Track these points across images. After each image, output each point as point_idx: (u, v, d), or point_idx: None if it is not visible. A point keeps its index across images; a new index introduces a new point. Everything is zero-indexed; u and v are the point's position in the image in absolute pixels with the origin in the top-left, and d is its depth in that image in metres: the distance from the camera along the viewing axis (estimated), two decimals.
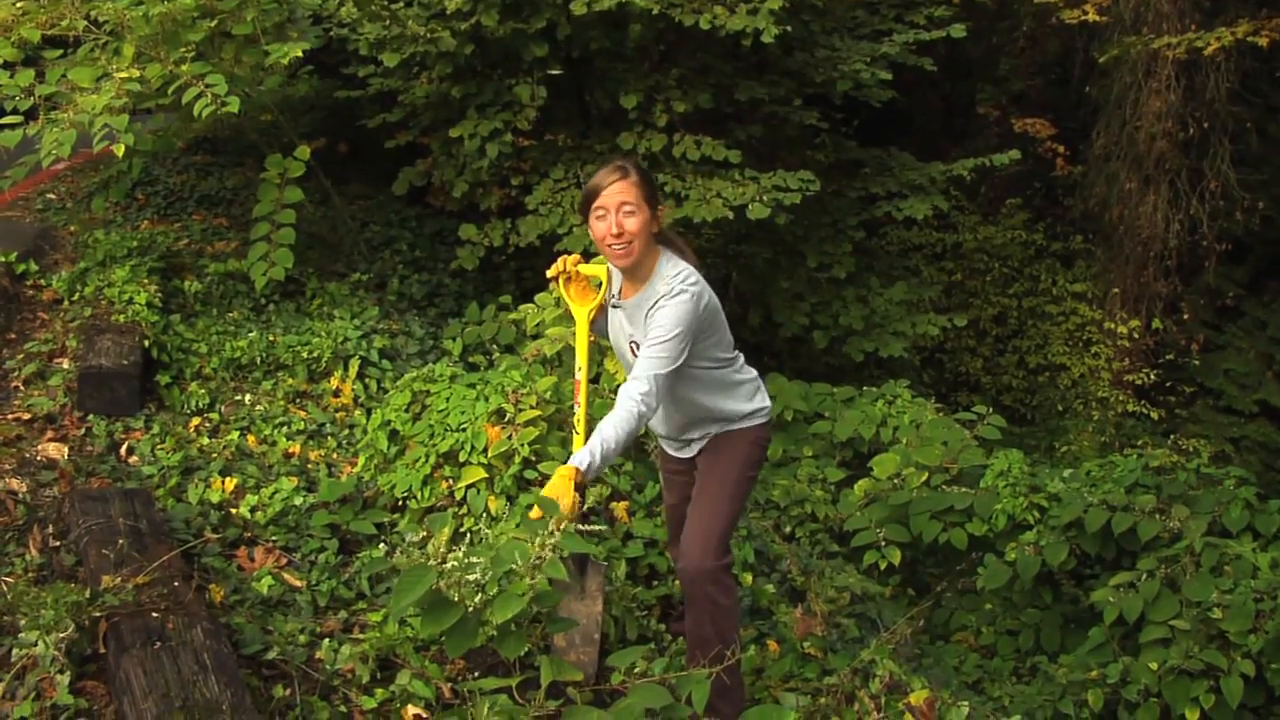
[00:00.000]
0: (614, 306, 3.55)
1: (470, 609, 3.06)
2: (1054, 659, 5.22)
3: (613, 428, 3.25)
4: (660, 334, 3.29)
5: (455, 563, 3.20)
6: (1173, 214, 12.78)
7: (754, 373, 3.71)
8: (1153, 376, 13.27)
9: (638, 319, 3.42)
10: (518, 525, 4.05)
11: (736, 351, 3.63)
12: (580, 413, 3.62)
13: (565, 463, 3.31)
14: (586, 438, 3.49)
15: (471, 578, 3.21)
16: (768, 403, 3.69)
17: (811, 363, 9.70)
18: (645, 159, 8.11)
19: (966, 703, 3.50)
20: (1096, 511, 5.24)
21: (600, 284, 3.67)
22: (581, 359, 3.65)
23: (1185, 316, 13.84)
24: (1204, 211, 12.68)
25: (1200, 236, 12.88)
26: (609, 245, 3.36)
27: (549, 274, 3.68)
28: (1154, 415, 13.02)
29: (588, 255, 4.02)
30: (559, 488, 3.26)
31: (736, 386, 3.58)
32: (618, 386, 4.86)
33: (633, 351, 3.46)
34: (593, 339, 3.78)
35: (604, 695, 3.44)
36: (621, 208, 3.31)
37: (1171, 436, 12.28)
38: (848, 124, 10.87)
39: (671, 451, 3.79)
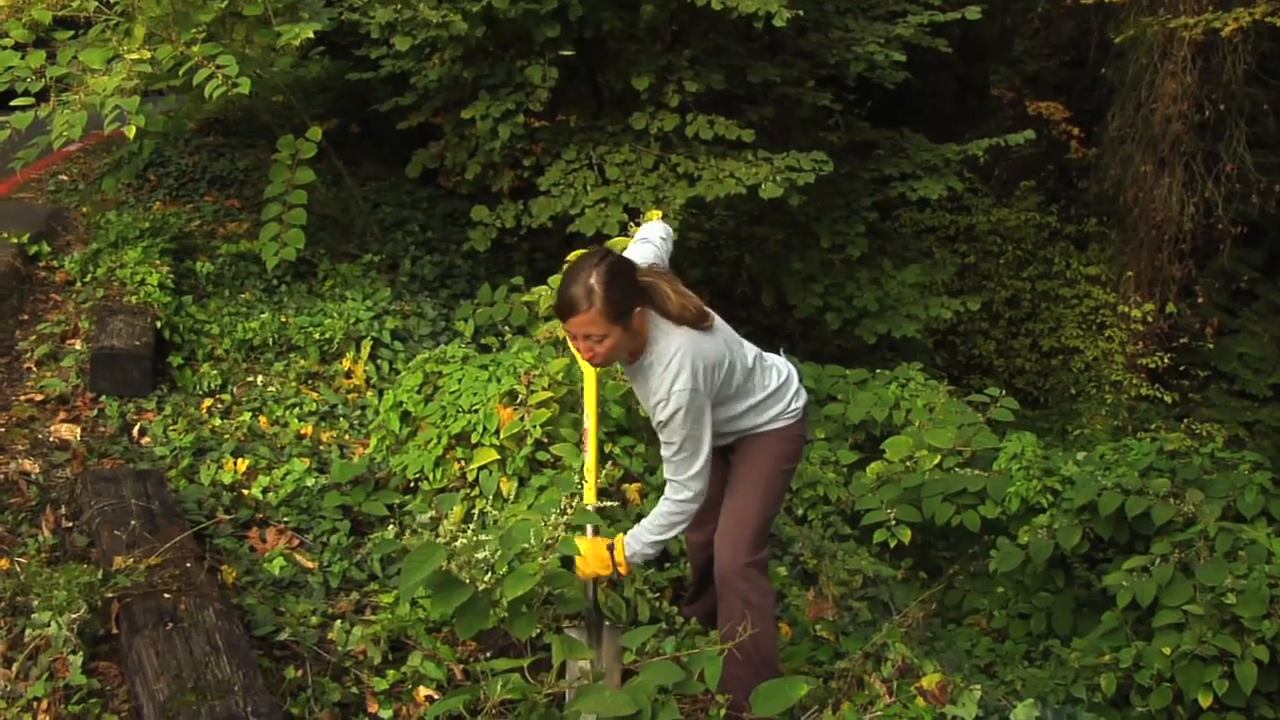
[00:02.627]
0: (624, 368, 3.45)
1: (480, 589, 3.06)
2: (1066, 643, 5.20)
3: (651, 527, 3.34)
4: (674, 443, 3.23)
5: (464, 542, 3.20)
6: (1188, 197, 12.71)
7: (784, 374, 3.56)
8: (1166, 360, 13.22)
9: (644, 390, 3.33)
10: (530, 506, 4.06)
11: (757, 369, 3.48)
12: (590, 461, 3.56)
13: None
14: (595, 485, 3.52)
15: (480, 556, 3.21)
16: (800, 401, 3.55)
17: (824, 345, 9.67)
18: (658, 139, 8.08)
19: (978, 686, 3.48)
20: (1110, 495, 5.21)
21: None
22: (590, 407, 3.57)
23: (1200, 300, 13.77)
24: (1219, 194, 12.61)
25: (1215, 219, 12.80)
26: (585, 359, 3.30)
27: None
28: (1168, 399, 12.97)
29: (600, 239, 4.00)
30: (592, 553, 3.32)
31: (760, 403, 3.47)
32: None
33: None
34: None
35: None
36: (587, 338, 3.17)
37: (1185, 421, 12.24)
38: (861, 105, 10.81)
39: None
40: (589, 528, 3.47)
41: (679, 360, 3.18)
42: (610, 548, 3.37)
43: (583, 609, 3.47)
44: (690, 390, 3.16)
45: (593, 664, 3.39)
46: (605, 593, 3.68)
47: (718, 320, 3.39)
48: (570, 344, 3.46)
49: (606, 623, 3.46)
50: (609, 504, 3.66)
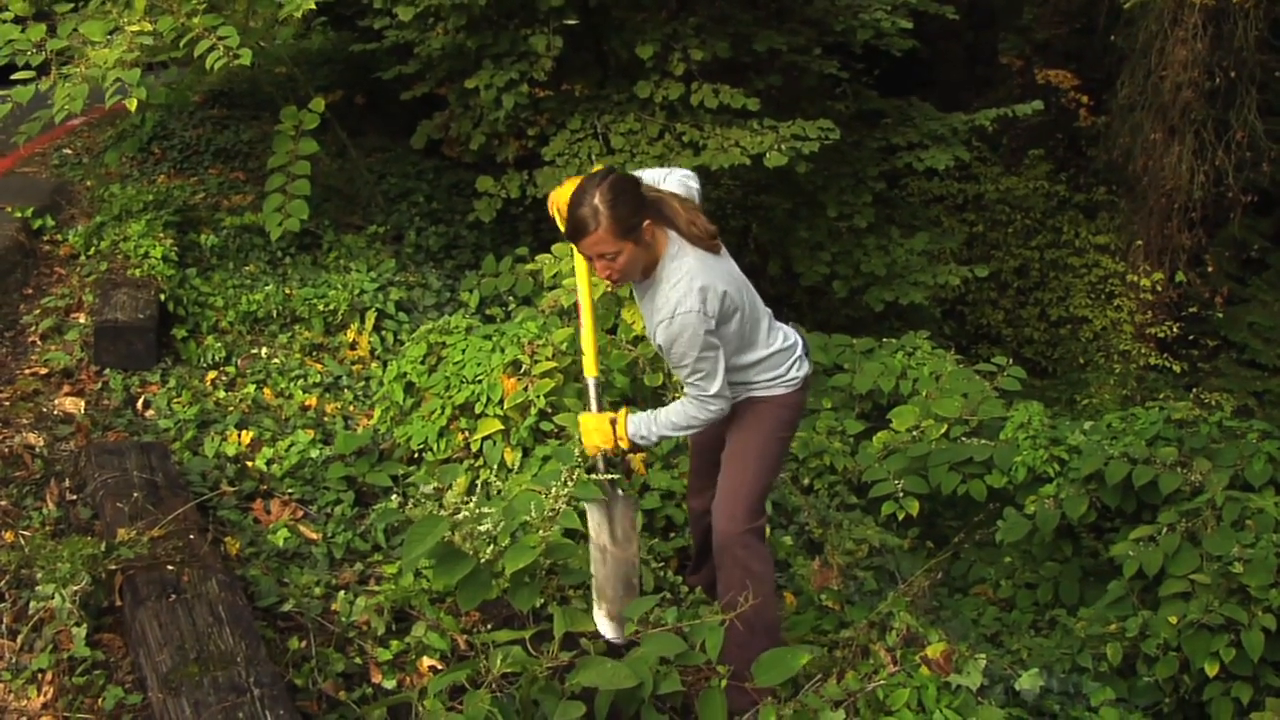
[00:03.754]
0: (635, 286, 3.43)
1: (482, 560, 3.06)
2: (1073, 612, 5.18)
3: (663, 418, 3.36)
4: (686, 367, 3.23)
5: (467, 514, 3.20)
6: (1198, 165, 12.63)
7: (789, 339, 3.53)
8: (1175, 329, 13.18)
9: (650, 314, 3.31)
10: (534, 477, 4.05)
11: (766, 321, 3.46)
12: (587, 333, 3.56)
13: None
14: (594, 355, 3.54)
15: (483, 528, 3.21)
16: (803, 371, 3.52)
17: (831, 314, 9.64)
18: (662, 108, 8.03)
19: (983, 655, 3.47)
20: (1117, 464, 5.19)
21: None
22: (585, 306, 3.58)
23: (1209, 269, 13.71)
24: (1229, 162, 12.52)
25: (1225, 188, 12.72)
26: (604, 278, 3.30)
27: (551, 207, 3.61)
28: (1176, 369, 12.93)
29: None
30: (595, 425, 3.35)
31: (764, 360, 3.43)
32: (635, 338, 4.84)
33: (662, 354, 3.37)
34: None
35: (619, 646, 3.43)
36: (602, 257, 3.18)
37: (1194, 390, 12.20)
38: (868, 74, 10.73)
39: None
40: (593, 403, 3.50)
41: (687, 281, 3.17)
42: (613, 422, 3.40)
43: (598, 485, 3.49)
44: (697, 313, 3.15)
45: (611, 533, 3.41)
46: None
47: (729, 258, 3.39)
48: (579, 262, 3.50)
49: (620, 493, 3.48)
50: (613, 475, 3.61)
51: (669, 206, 3.28)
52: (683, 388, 3.35)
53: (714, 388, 3.25)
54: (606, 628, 3.44)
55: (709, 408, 3.29)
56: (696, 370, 3.22)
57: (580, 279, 3.58)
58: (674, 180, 3.55)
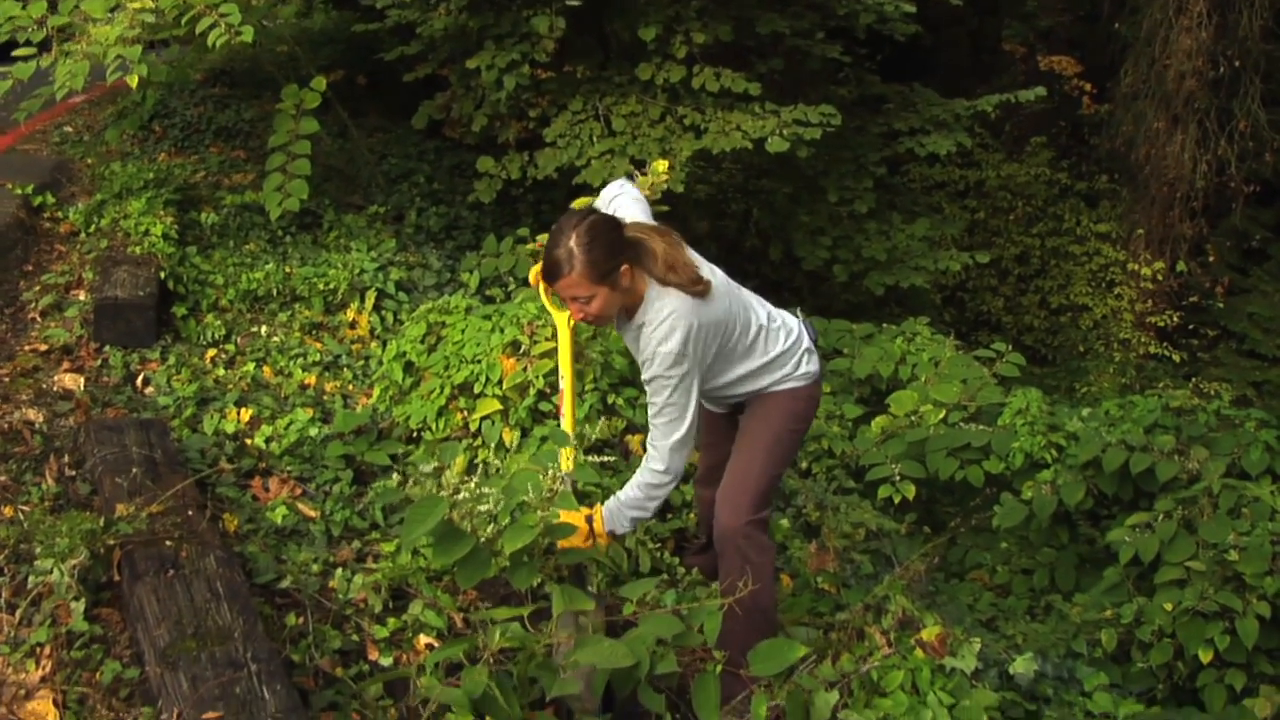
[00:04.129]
0: (618, 328, 3.40)
1: (482, 540, 3.06)
2: (1068, 598, 5.20)
3: (628, 502, 3.32)
4: (656, 404, 3.21)
5: (467, 494, 3.20)
6: (1200, 154, 12.60)
7: (791, 338, 3.48)
8: (1176, 319, 13.18)
9: (635, 349, 3.29)
10: (531, 457, 4.06)
11: (763, 334, 3.40)
12: (567, 424, 3.53)
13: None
14: (573, 421, 3.51)
15: (484, 508, 3.22)
16: (813, 365, 3.50)
17: (831, 299, 9.64)
18: (664, 90, 8.01)
19: (978, 639, 3.48)
20: (1114, 451, 5.20)
21: None
22: (565, 369, 3.55)
23: (1210, 259, 13.71)
24: (1232, 152, 12.51)
25: (1228, 178, 12.71)
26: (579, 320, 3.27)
27: (530, 281, 3.58)
28: (1176, 358, 12.94)
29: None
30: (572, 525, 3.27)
31: (767, 365, 3.41)
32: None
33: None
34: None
35: (616, 625, 3.44)
36: (575, 300, 3.15)
37: (1193, 379, 12.20)
38: (871, 59, 10.71)
39: (709, 407, 3.69)
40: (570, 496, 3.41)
41: (670, 323, 3.13)
42: (589, 519, 3.35)
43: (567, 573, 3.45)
44: (676, 354, 3.12)
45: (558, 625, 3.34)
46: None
47: (719, 284, 3.30)
48: (545, 300, 3.49)
49: (594, 590, 3.43)
50: (609, 457, 3.63)
51: (647, 252, 3.20)
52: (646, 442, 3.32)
53: (676, 434, 3.21)
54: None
55: (663, 466, 3.26)
56: (663, 413, 3.21)
57: (562, 344, 3.55)
58: (639, 208, 3.51)
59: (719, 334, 3.26)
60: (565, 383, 3.55)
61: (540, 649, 2.96)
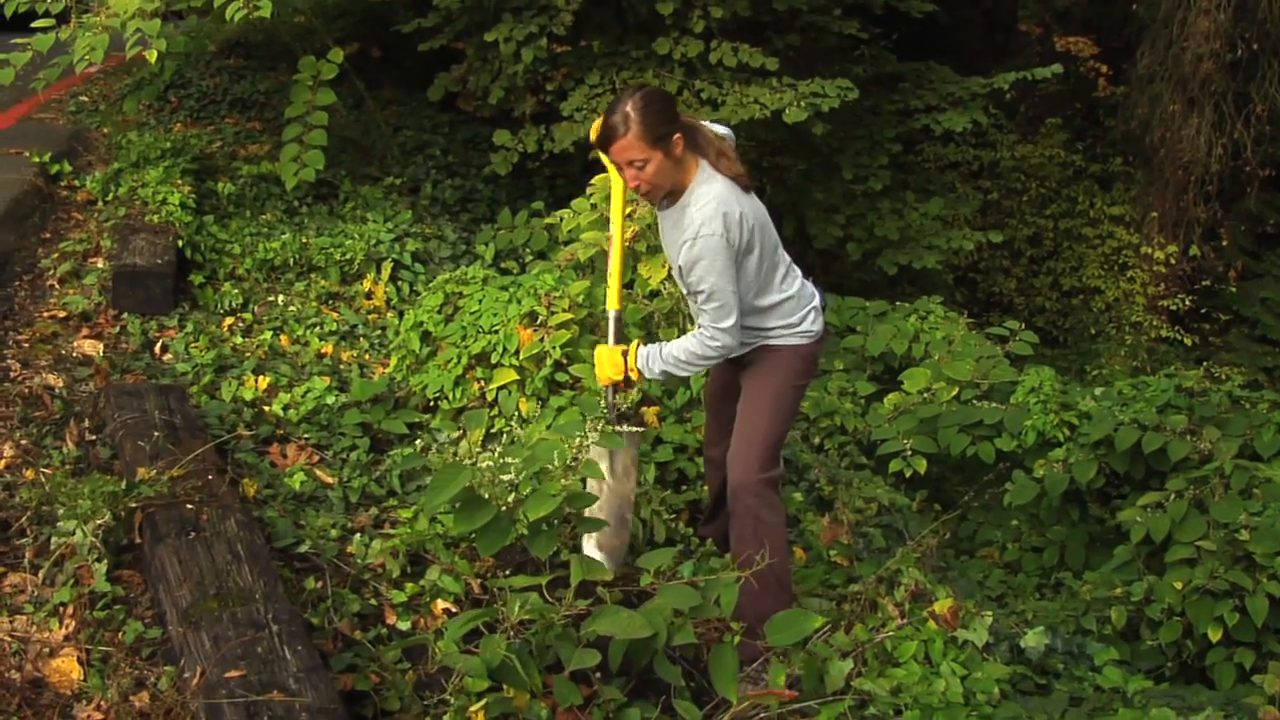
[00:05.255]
0: (660, 210, 3.49)
1: (503, 508, 3.09)
2: (1078, 576, 5.22)
3: (673, 353, 3.38)
4: (703, 292, 3.26)
5: (490, 462, 3.23)
6: (1216, 138, 12.52)
7: (807, 288, 3.57)
8: (1188, 302, 13.13)
9: (674, 238, 3.35)
10: (549, 427, 4.09)
11: (784, 268, 3.49)
12: (614, 265, 3.61)
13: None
14: (619, 289, 3.60)
15: (506, 478, 3.24)
16: (819, 325, 3.55)
17: (844, 278, 9.64)
18: (681, 65, 8.00)
19: (990, 613, 3.51)
20: (1127, 430, 5.20)
21: None
22: (616, 213, 3.64)
23: (1224, 243, 13.64)
24: (1248, 136, 12.42)
25: (1243, 162, 12.62)
26: (634, 189, 3.33)
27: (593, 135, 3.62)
28: (1187, 342, 12.90)
29: None
30: (607, 357, 3.42)
31: (779, 304, 3.45)
32: (650, 292, 4.87)
33: (680, 277, 3.41)
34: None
35: (633, 595, 3.47)
36: (631, 164, 3.23)
37: (1204, 364, 12.16)
38: (887, 37, 10.67)
39: None
40: (611, 335, 3.56)
41: (715, 205, 3.21)
42: (625, 354, 3.46)
43: (604, 415, 3.56)
44: (719, 235, 3.19)
45: (610, 466, 3.45)
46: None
47: (757, 199, 3.43)
48: (616, 175, 3.55)
49: (626, 428, 3.52)
50: (634, 429, 3.63)
51: (702, 135, 3.34)
52: (695, 320, 3.38)
53: (727, 321, 3.28)
54: (596, 557, 3.50)
55: (715, 344, 3.32)
56: (713, 297, 3.25)
57: (615, 209, 3.64)
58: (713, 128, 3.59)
59: (758, 231, 3.33)
60: (615, 251, 3.63)
61: (560, 620, 2.98)
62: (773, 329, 3.47)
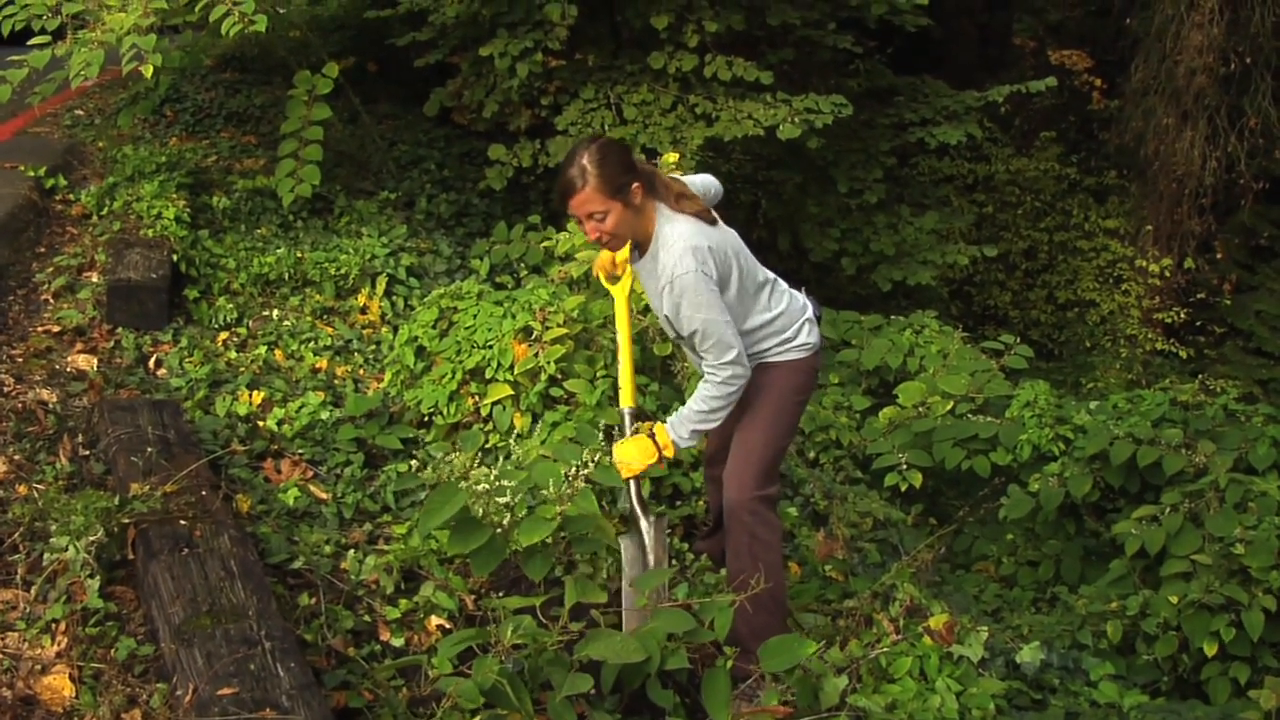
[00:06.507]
0: (634, 265, 3.47)
1: (498, 530, 3.08)
2: (1074, 590, 5.22)
3: (692, 412, 3.35)
4: (698, 331, 3.24)
5: (487, 485, 3.21)
6: (1210, 151, 12.56)
7: (797, 301, 3.56)
8: (1183, 315, 13.15)
9: (653, 288, 3.35)
10: (543, 442, 4.08)
11: (769, 286, 3.48)
12: (624, 365, 3.58)
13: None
14: (631, 389, 3.56)
15: (503, 500, 3.23)
16: (814, 337, 3.54)
17: (839, 292, 9.65)
18: (676, 79, 8.02)
19: (985, 628, 3.51)
20: (1122, 444, 5.21)
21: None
22: (622, 318, 3.64)
23: (1218, 256, 13.67)
24: (1242, 149, 12.46)
25: (1237, 174, 12.66)
26: (595, 241, 3.33)
27: (593, 270, 3.64)
28: (1183, 354, 12.92)
29: None
30: (636, 448, 3.35)
31: (770, 323, 3.45)
32: (644, 307, 4.86)
33: (670, 325, 3.40)
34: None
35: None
36: (591, 217, 3.22)
37: (1199, 376, 12.16)
38: (882, 51, 10.70)
39: None
40: (628, 432, 3.49)
41: (681, 244, 3.21)
42: (651, 435, 3.41)
43: (625, 510, 3.52)
44: (694, 271, 3.18)
45: (644, 556, 3.40)
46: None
47: (730, 234, 3.41)
48: (602, 280, 3.58)
49: (653, 516, 3.46)
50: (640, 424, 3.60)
51: (659, 180, 3.33)
52: (700, 366, 3.37)
53: (729, 355, 3.25)
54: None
55: (728, 382, 3.30)
56: (708, 335, 3.23)
57: (620, 315, 3.63)
58: (694, 178, 3.61)
59: (733, 257, 3.33)
60: (624, 354, 3.60)
61: (553, 644, 2.95)
62: (768, 348, 3.46)
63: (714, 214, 3.38)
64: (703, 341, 3.26)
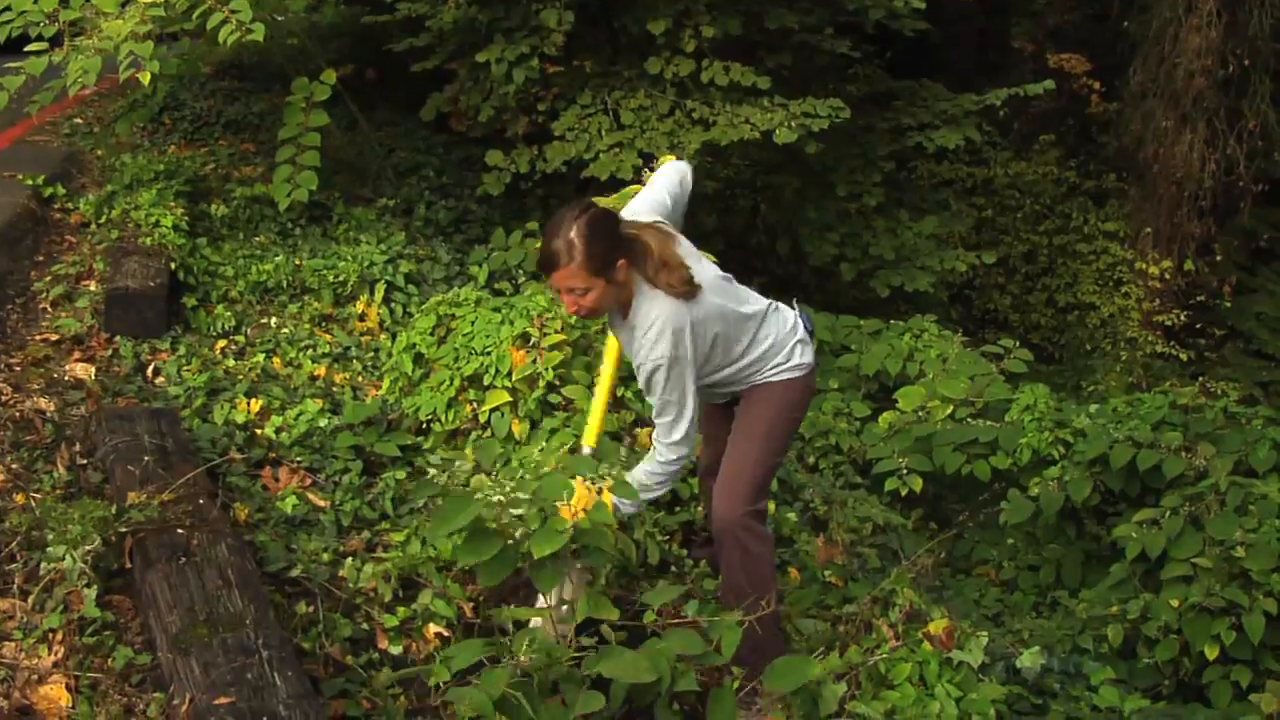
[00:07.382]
0: (613, 326, 3.44)
1: (509, 541, 3.06)
2: (1074, 595, 5.21)
3: (638, 478, 3.34)
4: (655, 404, 3.25)
5: (500, 496, 3.19)
6: (1209, 153, 12.58)
7: (786, 325, 3.48)
8: (1183, 318, 13.16)
9: (629, 349, 3.32)
10: (541, 449, 4.07)
11: (754, 324, 3.40)
12: (597, 406, 3.59)
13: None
14: (597, 430, 3.58)
15: (517, 513, 3.20)
16: (807, 356, 3.48)
17: (838, 296, 9.64)
18: (673, 84, 8.02)
19: (985, 633, 3.50)
20: (1122, 448, 5.20)
21: None
22: (609, 360, 3.62)
23: (1218, 258, 13.67)
24: (1241, 151, 12.48)
25: (1236, 177, 12.68)
26: (572, 313, 3.28)
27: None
28: (1183, 357, 12.92)
29: (614, 184, 3.97)
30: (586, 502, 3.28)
31: (761, 356, 3.41)
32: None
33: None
34: None
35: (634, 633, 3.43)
36: (570, 292, 3.15)
37: (1200, 379, 12.18)
38: (880, 56, 10.71)
39: (707, 399, 3.68)
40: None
41: (659, 327, 3.15)
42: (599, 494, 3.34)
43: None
44: (669, 357, 3.15)
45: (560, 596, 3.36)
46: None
47: (709, 281, 3.29)
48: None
49: (579, 564, 3.39)
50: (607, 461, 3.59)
51: (642, 250, 3.20)
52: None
53: (678, 434, 3.26)
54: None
55: (671, 463, 3.32)
56: (664, 413, 3.25)
57: (609, 355, 3.62)
58: (656, 200, 3.50)
59: (710, 332, 3.27)
60: (600, 392, 3.60)
61: (567, 660, 2.92)
62: (761, 370, 3.44)
63: (692, 283, 3.21)
64: (659, 415, 3.26)
